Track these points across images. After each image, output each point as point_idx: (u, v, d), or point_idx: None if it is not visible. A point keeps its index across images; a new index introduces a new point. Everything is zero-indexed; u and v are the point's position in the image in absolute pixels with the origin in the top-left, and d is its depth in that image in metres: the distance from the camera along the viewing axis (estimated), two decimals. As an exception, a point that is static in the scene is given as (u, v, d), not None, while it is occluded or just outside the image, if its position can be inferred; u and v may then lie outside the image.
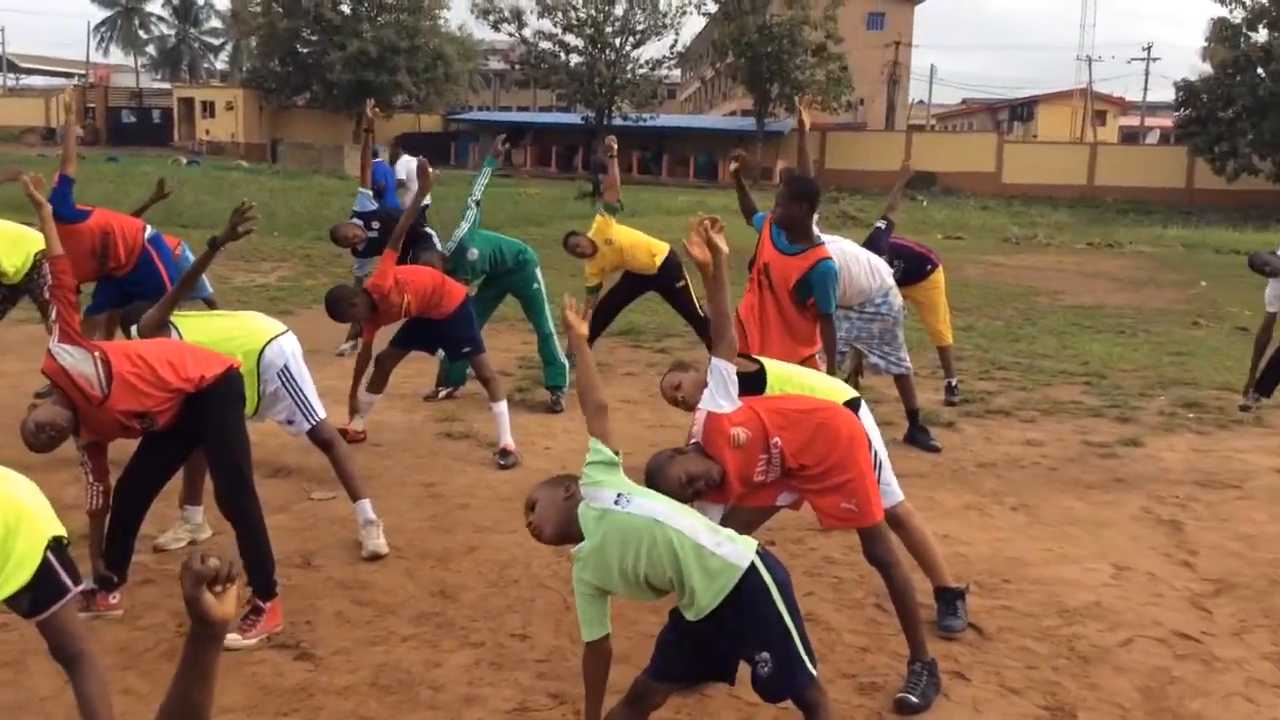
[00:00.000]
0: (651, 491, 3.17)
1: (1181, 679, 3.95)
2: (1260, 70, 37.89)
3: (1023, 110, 63.25)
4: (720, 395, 3.54)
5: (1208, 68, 40.09)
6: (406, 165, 15.30)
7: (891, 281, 6.81)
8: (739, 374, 3.99)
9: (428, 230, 8.75)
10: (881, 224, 7.83)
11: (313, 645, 3.99)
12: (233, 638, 3.94)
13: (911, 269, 7.85)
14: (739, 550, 2.96)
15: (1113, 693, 3.83)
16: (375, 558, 4.75)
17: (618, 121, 47.39)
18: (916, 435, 6.91)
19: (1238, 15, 39.48)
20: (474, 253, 7.21)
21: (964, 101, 74.43)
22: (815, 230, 5.84)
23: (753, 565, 2.94)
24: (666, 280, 8.31)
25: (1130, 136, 59.50)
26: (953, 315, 13.02)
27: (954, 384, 8.15)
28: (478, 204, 7.32)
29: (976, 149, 47.31)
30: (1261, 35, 38.96)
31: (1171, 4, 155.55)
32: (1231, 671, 4.03)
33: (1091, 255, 25.21)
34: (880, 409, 7.58)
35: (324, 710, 3.57)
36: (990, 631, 4.28)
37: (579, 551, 3.01)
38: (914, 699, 3.66)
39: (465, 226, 7.21)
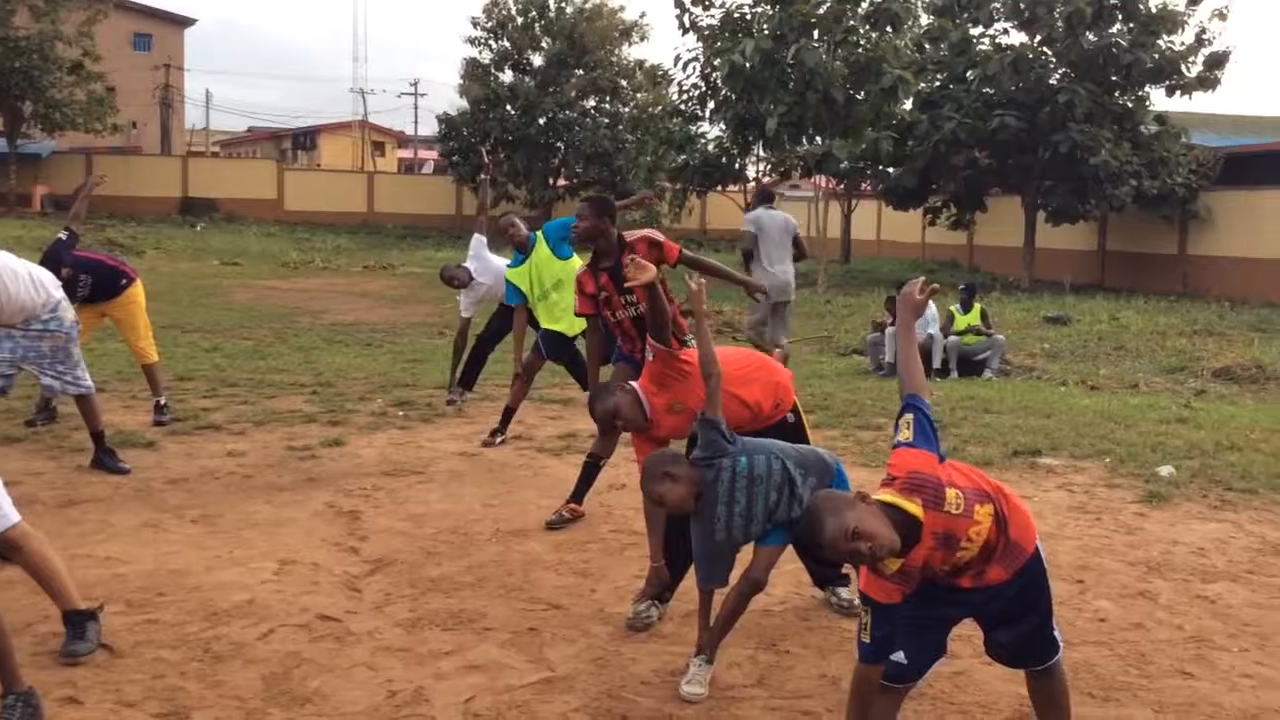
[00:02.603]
0: None
1: (311, 659, 4.02)
2: (509, 107, 42.10)
3: (305, 139, 64.10)
4: None
5: (465, 104, 43.61)
6: None
7: (60, 295, 6.29)
8: None
9: None
10: (63, 235, 7.28)
11: None
12: None
13: (102, 283, 7.37)
14: None
15: (236, 686, 3.77)
16: None
17: None
18: (103, 459, 6.43)
19: (486, 56, 43.50)
20: None
21: (250, 129, 73.61)
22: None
23: None
24: None
25: (409, 167, 62.98)
26: (200, 337, 12.77)
27: (163, 403, 7.78)
28: None
29: (258, 176, 46.76)
30: (508, 76, 43.33)
31: (434, 43, 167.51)
32: (362, 644, 4.19)
33: (365, 277, 26.16)
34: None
35: None
36: (125, 648, 4.03)
37: None
38: (-2, 738, 3.29)
39: None
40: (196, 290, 18.46)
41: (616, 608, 4.63)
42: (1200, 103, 26.79)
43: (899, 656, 3.00)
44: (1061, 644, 3.18)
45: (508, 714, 3.66)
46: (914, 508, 2.81)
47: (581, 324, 7.13)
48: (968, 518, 2.87)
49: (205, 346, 12.08)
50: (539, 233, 7.61)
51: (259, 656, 4.02)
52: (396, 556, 5.19)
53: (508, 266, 7.86)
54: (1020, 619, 3.08)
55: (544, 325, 7.58)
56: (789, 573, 5.04)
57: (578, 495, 5.81)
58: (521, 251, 7.63)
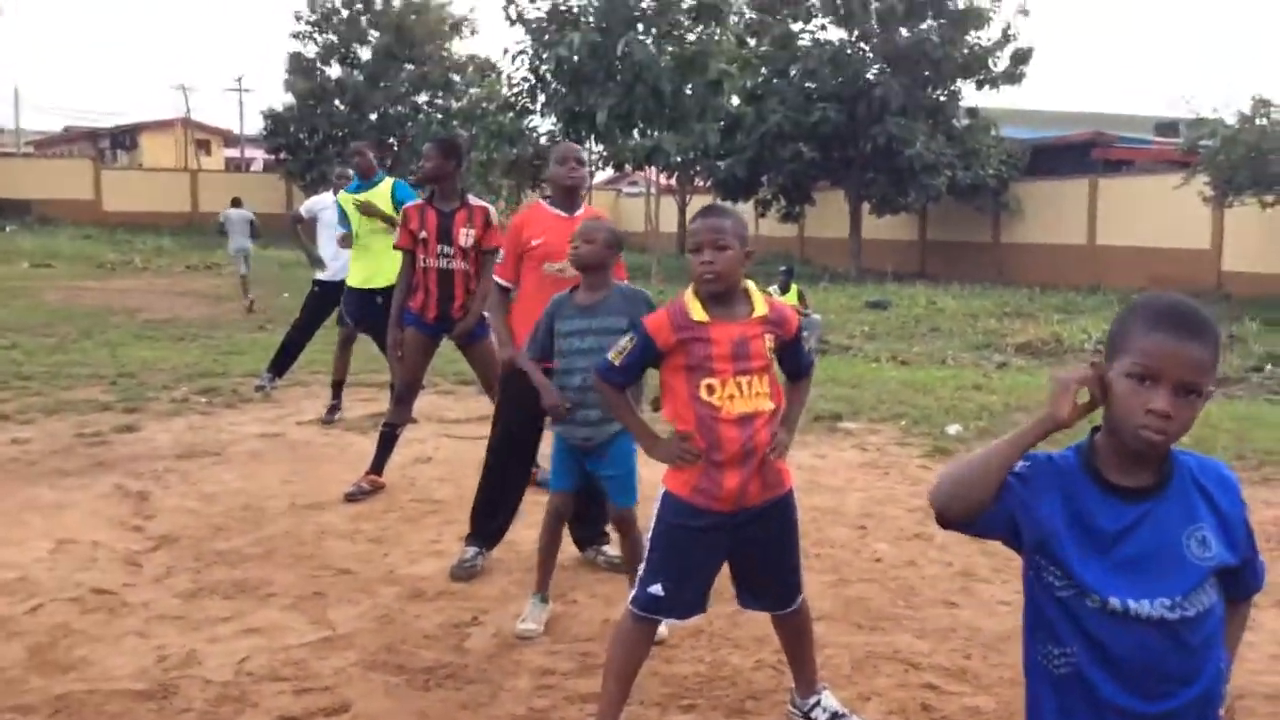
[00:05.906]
0: None
1: (80, 630, 3.90)
2: (337, 102, 41.20)
3: (125, 138, 61.31)
4: None
5: (291, 99, 42.44)
6: None
7: None
8: None
9: None
10: None
11: None
12: None
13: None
14: None
15: (12, 660, 3.63)
16: None
17: None
18: None
19: (311, 50, 42.44)
20: None
21: (66, 128, 70.04)
22: None
23: None
24: None
25: (237, 165, 60.93)
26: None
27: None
28: None
29: (73, 176, 44.60)
30: (335, 70, 42.36)
31: (257, 39, 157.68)
32: (136, 614, 4.08)
33: (187, 276, 25.25)
34: None
35: None
36: (-127, 631, 3.82)
37: None
38: None
39: None
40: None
41: (407, 570, 4.62)
42: (1008, 97, 28.23)
43: (655, 588, 3.06)
44: (804, 590, 3.28)
45: (282, 671, 3.62)
46: (760, 297, 3.05)
47: (387, 278, 6.65)
48: (764, 364, 3.02)
49: (4, 344, 11.46)
50: (391, 178, 7.18)
51: (24, 629, 3.88)
52: (183, 533, 5.05)
53: (344, 190, 7.34)
54: (776, 562, 3.17)
55: (350, 283, 7.14)
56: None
57: (377, 466, 5.75)
58: (364, 179, 7.14)
